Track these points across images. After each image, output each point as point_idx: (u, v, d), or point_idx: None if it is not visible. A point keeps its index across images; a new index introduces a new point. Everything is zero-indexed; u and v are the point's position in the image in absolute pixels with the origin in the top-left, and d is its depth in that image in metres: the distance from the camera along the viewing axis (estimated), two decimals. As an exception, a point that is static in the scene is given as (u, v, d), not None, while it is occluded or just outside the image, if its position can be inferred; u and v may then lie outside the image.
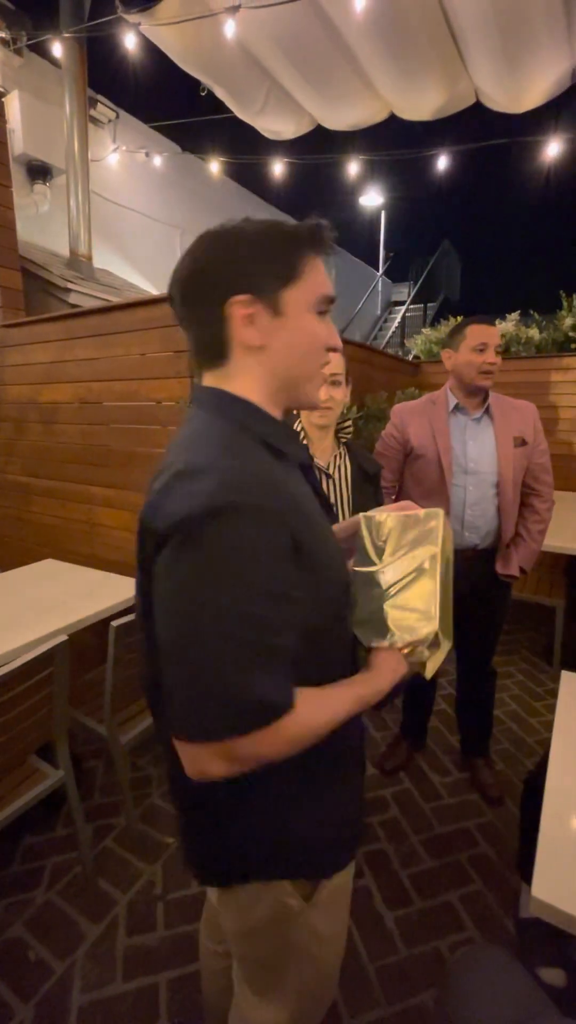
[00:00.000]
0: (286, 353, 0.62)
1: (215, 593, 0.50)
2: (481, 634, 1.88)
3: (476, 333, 1.61)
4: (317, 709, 0.60)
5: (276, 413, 0.66)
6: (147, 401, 2.12)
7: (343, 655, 0.70)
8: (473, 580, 1.74)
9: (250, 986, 0.81)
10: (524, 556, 1.75)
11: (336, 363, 1.33)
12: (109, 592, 1.85)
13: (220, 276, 0.60)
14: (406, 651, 0.70)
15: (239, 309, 0.59)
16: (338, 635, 0.69)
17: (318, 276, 0.63)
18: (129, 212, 5.54)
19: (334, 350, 0.66)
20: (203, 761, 0.55)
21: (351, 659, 0.72)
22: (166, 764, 0.70)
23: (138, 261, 5.62)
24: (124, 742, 1.64)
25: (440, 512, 0.77)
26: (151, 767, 2.03)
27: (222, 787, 0.59)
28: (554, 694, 2.53)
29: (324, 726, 0.60)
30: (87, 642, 1.93)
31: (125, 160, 5.38)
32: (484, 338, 1.60)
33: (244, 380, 0.63)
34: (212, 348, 0.63)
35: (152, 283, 5.52)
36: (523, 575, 1.78)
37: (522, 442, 1.68)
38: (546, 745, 1.38)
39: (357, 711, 0.65)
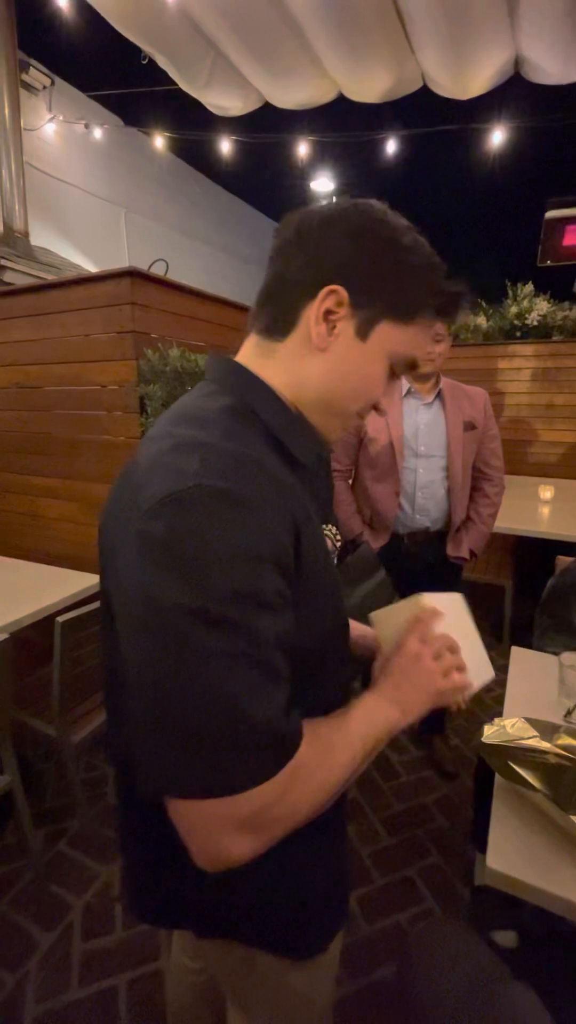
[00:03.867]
0: (336, 374, 0.53)
1: (195, 597, 0.39)
2: (435, 615, 1.91)
3: None
4: (323, 753, 0.48)
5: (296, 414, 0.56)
6: (91, 385, 2.01)
7: (336, 696, 0.60)
8: (425, 562, 1.77)
9: (236, 1006, 0.78)
10: (474, 539, 1.79)
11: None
12: (54, 587, 1.76)
13: (343, 254, 0.50)
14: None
15: (329, 299, 0.50)
16: (330, 679, 0.58)
17: (419, 337, 0.55)
18: (69, 187, 5.25)
19: (376, 409, 0.58)
20: (218, 839, 0.42)
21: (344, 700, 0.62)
22: (116, 786, 0.60)
23: (81, 241, 5.34)
24: (76, 741, 1.57)
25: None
26: (106, 765, 1.96)
27: (166, 827, 0.45)
28: (505, 669, 2.63)
29: (345, 757, 0.50)
30: (30, 640, 1.83)
31: (63, 131, 5.07)
32: None
33: (284, 368, 0.54)
34: (280, 313, 0.53)
35: (98, 264, 5.26)
36: (474, 558, 1.82)
37: (472, 427, 1.71)
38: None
39: (378, 743, 0.54)
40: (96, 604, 1.52)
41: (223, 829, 0.42)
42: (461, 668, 0.61)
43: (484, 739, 0.91)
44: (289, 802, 0.44)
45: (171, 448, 0.45)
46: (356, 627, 0.76)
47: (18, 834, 1.65)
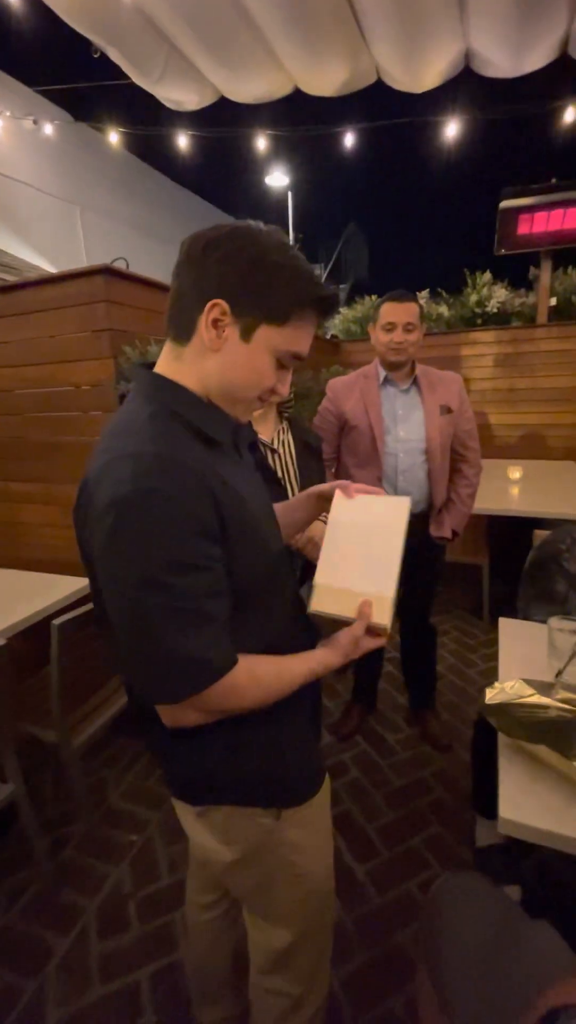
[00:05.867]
0: (230, 370, 0.65)
1: (139, 569, 0.56)
2: (419, 594, 1.98)
3: (385, 312, 1.66)
4: (269, 670, 0.69)
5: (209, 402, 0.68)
6: (65, 386, 1.98)
7: (285, 619, 0.78)
8: (409, 543, 1.83)
9: (255, 913, 0.87)
10: (455, 519, 1.86)
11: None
12: (43, 592, 1.73)
13: (221, 273, 0.61)
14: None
15: (214, 311, 0.61)
16: (277, 601, 0.77)
17: (298, 333, 0.66)
18: (21, 186, 5.09)
19: (273, 392, 0.69)
20: (177, 717, 0.66)
21: (297, 624, 0.81)
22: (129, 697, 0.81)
23: (38, 242, 5.20)
24: (76, 745, 1.55)
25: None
26: (105, 769, 1.95)
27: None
28: (487, 644, 2.75)
29: (277, 684, 0.69)
30: (19, 648, 1.79)
31: (11, 128, 4.91)
32: (391, 317, 1.65)
33: (191, 367, 0.66)
34: (182, 323, 0.65)
35: (55, 265, 5.12)
36: (456, 537, 1.89)
37: (448, 410, 1.77)
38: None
39: (310, 679, 0.73)
40: (89, 606, 1.51)
41: (176, 713, 0.66)
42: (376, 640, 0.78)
43: (487, 701, 0.96)
44: (227, 704, 0.66)
45: (110, 461, 0.59)
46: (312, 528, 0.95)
47: (23, 843, 1.63)
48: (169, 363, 0.67)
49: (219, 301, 0.61)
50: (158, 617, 0.58)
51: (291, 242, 0.66)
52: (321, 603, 0.78)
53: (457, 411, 1.79)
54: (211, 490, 0.60)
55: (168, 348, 0.68)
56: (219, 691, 0.63)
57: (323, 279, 0.70)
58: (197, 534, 0.59)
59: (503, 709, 0.92)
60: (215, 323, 0.62)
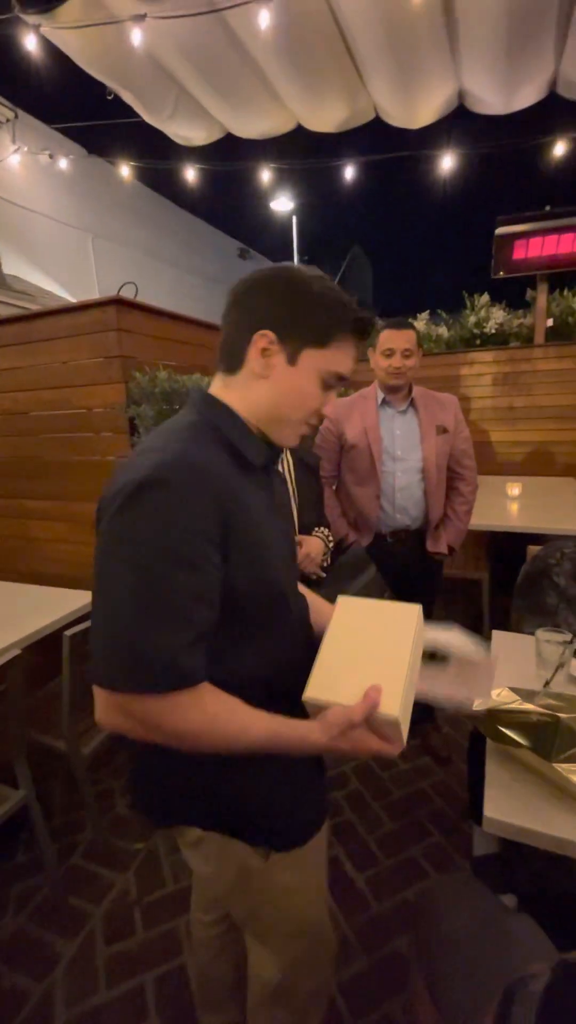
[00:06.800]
0: (279, 394, 0.70)
1: (132, 550, 0.57)
2: (419, 609, 2.04)
3: (384, 339, 1.75)
4: (227, 711, 0.62)
5: (254, 428, 0.72)
6: (79, 409, 2.08)
7: (295, 648, 0.75)
8: (408, 558, 1.90)
9: (249, 933, 0.89)
10: (452, 535, 1.92)
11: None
12: (55, 606, 1.80)
13: (266, 306, 0.68)
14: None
15: (261, 340, 0.67)
16: (284, 628, 0.74)
17: (341, 355, 0.71)
18: (37, 216, 5.32)
19: (320, 415, 0.74)
20: (106, 709, 0.62)
21: (307, 656, 0.72)
22: None
23: (51, 267, 5.40)
24: (86, 754, 1.61)
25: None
26: (111, 779, 2.00)
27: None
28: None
29: (227, 732, 0.61)
30: (29, 661, 1.86)
31: (28, 162, 5.14)
32: (390, 343, 1.74)
33: (240, 393, 0.71)
34: (232, 355, 0.71)
35: (68, 290, 5.32)
36: (452, 552, 1.95)
37: (444, 430, 1.85)
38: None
39: (271, 745, 0.63)
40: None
41: (108, 706, 0.62)
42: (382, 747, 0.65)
43: (475, 708, 1.01)
44: (166, 723, 0.59)
45: (138, 454, 0.64)
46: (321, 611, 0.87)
47: (31, 851, 1.67)
48: (218, 389, 0.73)
49: (265, 331, 0.67)
50: (135, 601, 0.57)
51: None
52: (317, 689, 0.66)
53: (453, 431, 1.87)
54: (222, 500, 0.61)
55: (218, 378, 0.74)
56: (164, 704, 0.58)
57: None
58: (198, 533, 0.59)
59: (490, 714, 0.98)
60: (263, 351, 0.68)
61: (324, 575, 1.47)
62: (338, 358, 0.71)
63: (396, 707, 0.62)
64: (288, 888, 0.81)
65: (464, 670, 0.83)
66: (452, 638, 0.83)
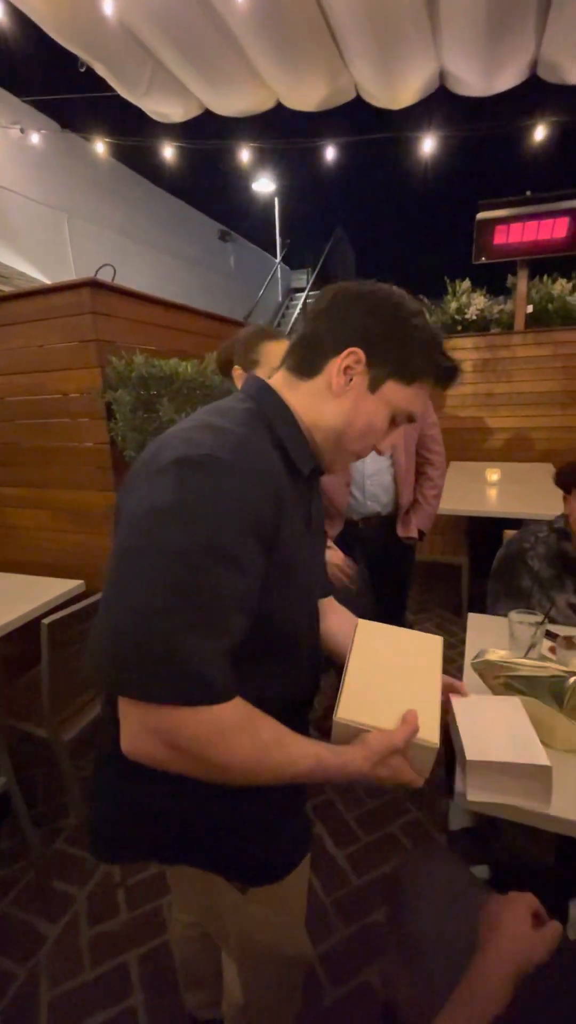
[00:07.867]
0: (348, 419, 0.65)
1: (177, 539, 0.49)
2: (393, 592, 2.08)
3: None
4: (271, 728, 0.55)
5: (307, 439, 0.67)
6: (54, 394, 2.04)
7: (309, 677, 0.73)
8: (379, 543, 1.93)
9: (224, 950, 0.89)
10: (422, 519, 1.95)
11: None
12: (34, 594, 1.78)
13: (364, 324, 0.63)
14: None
15: (350, 358, 0.63)
16: (304, 653, 0.71)
17: (418, 395, 0.67)
18: (7, 193, 5.13)
19: (377, 451, 0.70)
20: (140, 734, 0.50)
21: (314, 685, 0.74)
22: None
23: (24, 248, 5.23)
24: (67, 741, 1.61)
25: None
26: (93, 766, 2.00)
27: (136, 774, 0.55)
28: (465, 642, 2.83)
29: (278, 761, 0.55)
30: (8, 649, 1.85)
31: (-2, 136, 4.96)
32: None
33: (307, 402, 0.66)
34: (310, 360, 0.66)
35: (43, 271, 5.17)
36: (422, 537, 1.98)
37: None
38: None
39: (316, 773, 0.57)
40: (79, 605, 1.57)
41: (141, 729, 0.51)
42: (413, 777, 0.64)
43: (473, 662, 1.06)
44: (207, 749, 0.50)
45: (194, 427, 0.57)
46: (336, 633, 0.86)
47: (15, 837, 1.68)
48: (281, 387, 0.67)
49: (356, 350, 0.62)
50: (172, 601, 0.48)
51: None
52: (351, 711, 0.62)
53: (421, 417, 1.87)
54: (280, 501, 0.57)
55: (283, 376, 0.68)
56: (205, 725, 0.50)
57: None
58: (252, 529, 0.53)
59: (490, 665, 1.03)
60: (347, 369, 0.63)
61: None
62: (415, 398, 0.67)
63: (436, 734, 0.60)
64: (264, 922, 0.80)
65: None
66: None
